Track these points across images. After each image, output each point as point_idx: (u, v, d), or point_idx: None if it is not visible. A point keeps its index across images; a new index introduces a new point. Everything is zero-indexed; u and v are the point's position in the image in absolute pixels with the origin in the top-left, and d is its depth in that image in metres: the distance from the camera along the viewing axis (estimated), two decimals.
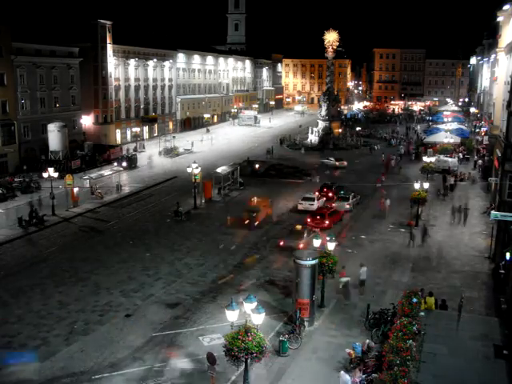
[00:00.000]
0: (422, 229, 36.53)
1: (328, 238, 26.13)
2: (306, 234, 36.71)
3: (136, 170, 60.30)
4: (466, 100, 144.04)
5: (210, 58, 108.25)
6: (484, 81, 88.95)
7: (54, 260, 32.38)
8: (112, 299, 26.67)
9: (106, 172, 50.76)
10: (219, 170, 50.60)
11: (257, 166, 58.84)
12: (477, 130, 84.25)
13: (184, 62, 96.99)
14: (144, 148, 73.86)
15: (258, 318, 16.40)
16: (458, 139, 69.02)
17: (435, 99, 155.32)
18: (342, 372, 18.78)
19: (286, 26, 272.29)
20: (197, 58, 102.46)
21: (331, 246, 25.84)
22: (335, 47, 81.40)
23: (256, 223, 38.90)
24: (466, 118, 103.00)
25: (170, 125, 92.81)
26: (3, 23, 54.21)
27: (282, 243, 34.85)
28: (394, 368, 16.74)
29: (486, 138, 62.86)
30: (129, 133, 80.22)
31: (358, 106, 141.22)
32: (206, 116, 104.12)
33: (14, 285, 28.39)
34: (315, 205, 42.16)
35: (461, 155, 64.83)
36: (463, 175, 54.75)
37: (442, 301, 24.64)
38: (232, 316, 16.26)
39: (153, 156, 69.36)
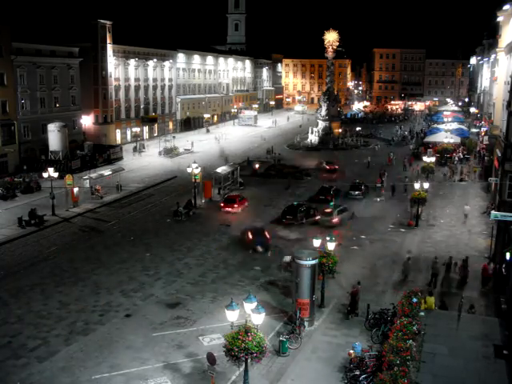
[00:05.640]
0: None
1: (328, 238, 26.15)
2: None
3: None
4: (466, 100, 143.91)
5: (209, 58, 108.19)
6: (484, 81, 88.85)
7: (54, 260, 32.40)
8: (112, 299, 26.68)
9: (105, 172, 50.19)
10: (219, 170, 50.64)
11: (257, 165, 58.85)
12: (476, 130, 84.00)
13: (184, 61, 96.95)
14: (144, 148, 73.84)
15: (258, 318, 16.41)
16: (458, 139, 69.00)
17: (435, 99, 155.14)
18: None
19: (286, 25, 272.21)
20: (197, 57, 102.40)
21: (331, 245, 25.85)
22: (335, 47, 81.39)
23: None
24: (466, 119, 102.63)
25: (170, 125, 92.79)
26: (3, 23, 54.21)
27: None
28: (394, 368, 16.76)
29: (485, 137, 62.85)
30: (129, 133, 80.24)
31: (358, 106, 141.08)
32: (206, 116, 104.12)
33: (14, 285, 28.40)
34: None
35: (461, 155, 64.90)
36: (463, 175, 54.68)
37: (440, 301, 24.61)
38: (232, 316, 16.27)
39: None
